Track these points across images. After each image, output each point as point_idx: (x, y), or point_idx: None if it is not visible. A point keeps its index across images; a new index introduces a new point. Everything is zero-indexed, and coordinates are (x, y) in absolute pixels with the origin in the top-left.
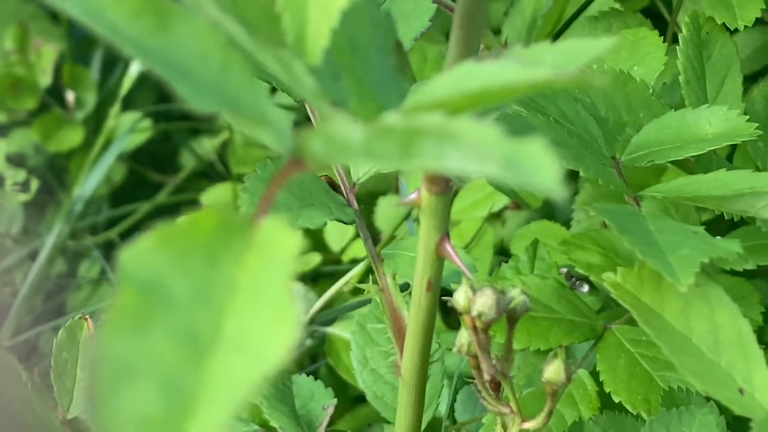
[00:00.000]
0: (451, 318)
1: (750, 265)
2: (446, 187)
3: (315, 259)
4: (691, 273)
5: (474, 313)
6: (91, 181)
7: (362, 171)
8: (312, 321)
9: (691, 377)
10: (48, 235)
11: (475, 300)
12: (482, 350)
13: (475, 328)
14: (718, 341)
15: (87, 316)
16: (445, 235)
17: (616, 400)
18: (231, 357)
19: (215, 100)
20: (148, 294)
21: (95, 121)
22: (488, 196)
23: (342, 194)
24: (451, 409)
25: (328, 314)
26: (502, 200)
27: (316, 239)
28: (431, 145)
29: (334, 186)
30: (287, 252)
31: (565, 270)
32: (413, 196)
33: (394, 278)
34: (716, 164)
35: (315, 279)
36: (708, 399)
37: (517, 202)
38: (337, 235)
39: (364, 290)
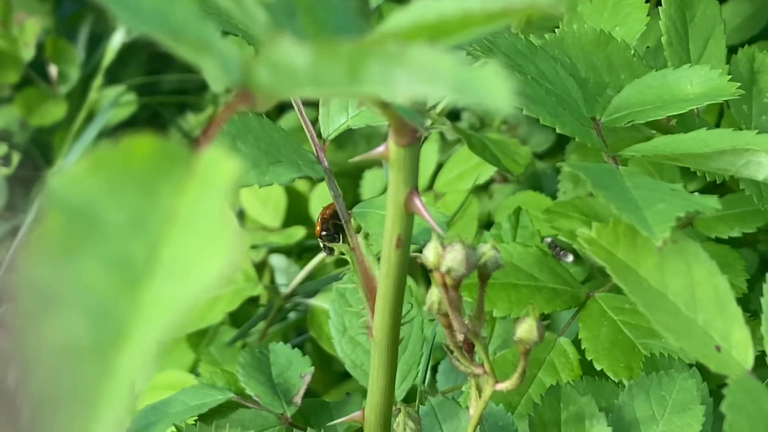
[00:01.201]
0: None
1: (735, 233)
2: (414, 139)
3: (299, 232)
4: (666, 227)
5: (443, 269)
6: (72, 155)
7: (332, 128)
8: (294, 293)
9: (666, 333)
10: (30, 210)
11: (444, 255)
12: (453, 308)
13: (445, 285)
14: (695, 298)
15: None
16: (414, 190)
17: (598, 367)
18: (166, 284)
19: (157, 27)
20: (77, 220)
21: (79, 97)
22: (474, 167)
23: (313, 152)
24: (432, 379)
25: (311, 286)
26: (488, 172)
27: (300, 213)
28: (379, 69)
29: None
30: (227, 179)
31: (549, 240)
32: (380, 149)
33: (365, 237)
34: (699, 126)
35: (300, 254)
36: (690, 365)
37: (502, 172)
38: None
39: (347, 262)
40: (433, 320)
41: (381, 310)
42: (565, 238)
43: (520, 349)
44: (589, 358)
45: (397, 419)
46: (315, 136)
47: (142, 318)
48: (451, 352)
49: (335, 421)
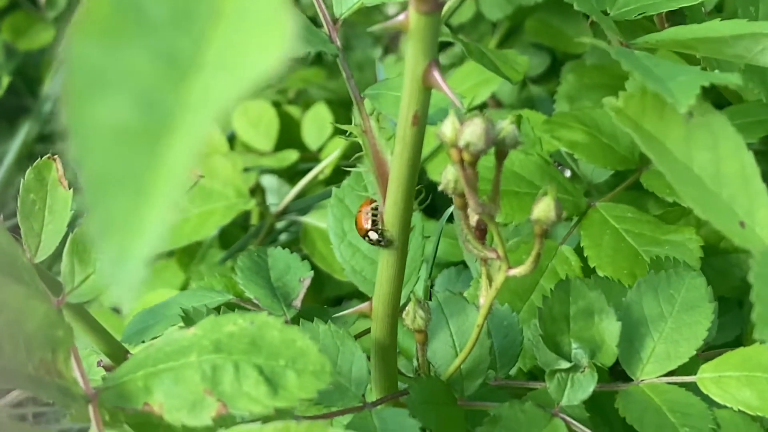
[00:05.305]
0: (428, 208)
1: None
2: (436, 6)
3: (292, 155)
4: (691, 95)
5: (461, 143)
6: (59, 79)
7: (345, 6)
8: (286, 211)
9: (693, 204)
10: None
11: (463, 130)
12: (470, 186)
13: (462, 161)
14: (720, 172)
15: (56, 157)
16: (434, 62)
17: (602, 274)
18: (214, 78)
19: None
20: (123, 8)
21: (68, 21)
22: (468, 90)
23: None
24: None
25: (303, 203)
26: (484, 93)
27: (293, 137)
28: None
29: None
30: None
31: None
32: (400, 17)
33: (377, 120)
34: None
35: (292, 177)
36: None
37: (496, 97)
38: (315, 133)
39: (339, 181)
40: (429, 237)
41: (394, 193)
42: (565, 147)
43: (536, 231)
44: (592, 266)
45: (406, 309)
46: (327, 14)
47: (190, 109)
48: (464, 236)
49: (341, 313)
